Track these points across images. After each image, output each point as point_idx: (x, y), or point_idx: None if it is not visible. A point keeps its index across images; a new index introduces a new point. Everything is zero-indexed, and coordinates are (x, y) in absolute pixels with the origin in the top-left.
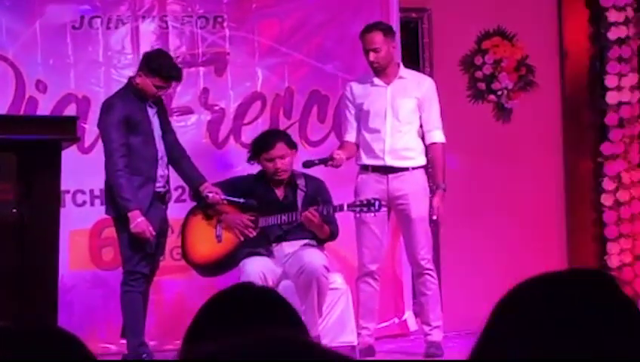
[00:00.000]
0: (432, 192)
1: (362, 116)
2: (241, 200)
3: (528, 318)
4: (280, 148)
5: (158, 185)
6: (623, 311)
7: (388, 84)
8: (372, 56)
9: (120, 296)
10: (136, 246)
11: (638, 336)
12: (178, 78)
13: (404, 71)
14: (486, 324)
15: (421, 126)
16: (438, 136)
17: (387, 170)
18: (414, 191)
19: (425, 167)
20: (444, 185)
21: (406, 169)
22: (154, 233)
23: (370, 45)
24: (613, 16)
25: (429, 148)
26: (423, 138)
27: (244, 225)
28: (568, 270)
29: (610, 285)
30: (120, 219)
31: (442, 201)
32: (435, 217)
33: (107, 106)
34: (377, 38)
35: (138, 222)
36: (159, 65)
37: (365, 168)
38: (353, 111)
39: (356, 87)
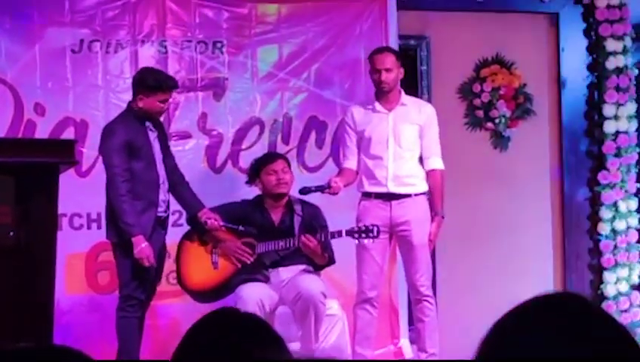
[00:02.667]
0: (432, 219)
1: (364, 143)
2: (240, 227)
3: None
4: (281, 163)
5: (159, 210)
6: (607, 329)
7: (390, 110)
8: (383, 75)
9: (116, 321)
10: (136, 272)
11: (623, 350)
12: (176, 84)
13: (405, 97)
14: (478, 350)
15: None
16: (436, 162)
17: (390, 197)
18: (417, 217)
19: (427, 194)
20: (442, 213)
21: (409, 195)
22: (153, 262)
23: (381, 65)
24: (611, 45)
25: (427, 175)
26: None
27: (241, 251)
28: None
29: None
30: (121, 244)
31: (439, 228)
32: (429, 242)
33: (108, 131)
34: (389, 58)
35: (142, 247)
36: (157, 81)
37: (368, 195)
38: (354, 138)
39: (357, 113)
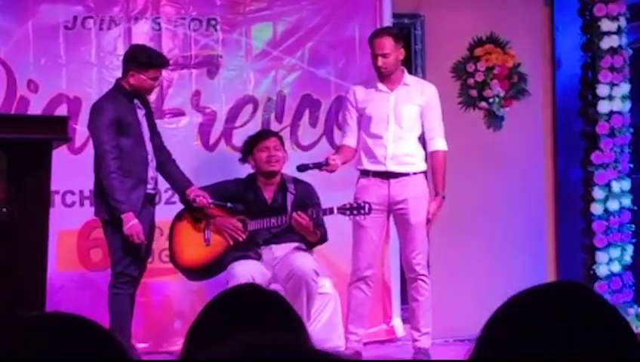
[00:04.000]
0: (433, 198)
1: (364, 121)
2: (228, 204)
3: (519, 331)
4: (274, 141)
5: (148, 187)
6: (610, 320)
7: (392, 90)
8: (380, 61)
9: (108, 298)
10: (127, 249)
11: (624, 343)
12: (168, 62)
13: (408, 77)
14: (478, 338)
15: (423, 132)
16: (440, 143)
17: (389, 176)
18: (415, 196)
19: (425, 173)
20: (443, 193)
21: (407, 174)
22: (143, 238)
23: (379, 50)
24: (605, 25)
25: (430, 156)
26: (424, 144)
27: (234, 228)
28: (553, 283)
29: (594, 297)
30: (111, 222)
31: (439, 208)
32: (428, 218)
33: (97, 108)
34: (387, 43)
35: (132, 224)
36: (149, 57)
37: (366, 173)
38: (355, 116)
39: (359, 92)
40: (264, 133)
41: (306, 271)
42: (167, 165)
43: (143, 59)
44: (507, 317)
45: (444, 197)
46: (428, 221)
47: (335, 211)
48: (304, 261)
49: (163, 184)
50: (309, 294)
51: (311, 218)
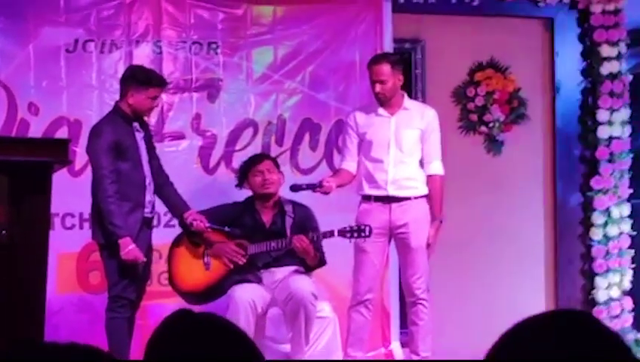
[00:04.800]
0: (431, 223)
1: (365, 146)
2: (226, 228)
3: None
4: (267, 163)
5: (146, 210)
6: (613, 348)
7: (392, 114)
8: (378, 87)
9: (105, 322)
10: (125, 273)
11: None
12: (166, 82)
13: (408, 102)
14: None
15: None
16: (437, 167)
17: (390, 200)
18: (416, 219)
19: (426, 197)
20: (441, 217)
21: (408, 198)
22: (145, 260)
23: (377, 76)
24: (605, 51)
25: (427, 180)
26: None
27: (234, 252)
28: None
29: (596, 325)
30: (108, 246)
31: (437, 232)
32: (427, 244)
33: (96, 132)
34: (385, 69)
35: (130, 249)
36: (147, 76)
37: (368, 198)
38: (355, 140)
39: (360, 116)
40: (257, 158)
41: (304, 294)
42: (164, 188)
43: (141, 78)
44: (510, 346)
45: (441, 222)
46: (428, 246)
47: (336, 234)
48: (302, 284)
49: (162, 207)
50: (307, 317)
51: (311, 241)
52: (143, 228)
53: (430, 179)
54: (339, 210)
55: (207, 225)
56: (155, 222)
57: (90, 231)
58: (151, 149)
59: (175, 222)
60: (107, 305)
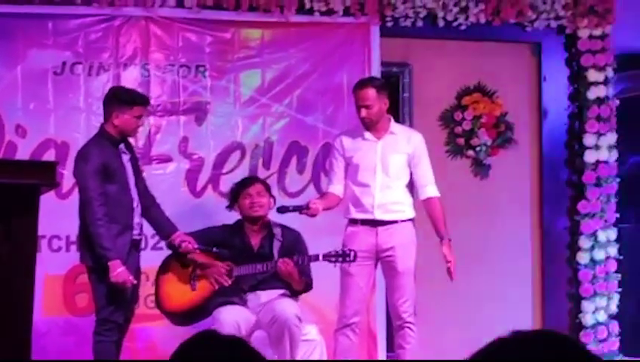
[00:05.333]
0: (441, 244)
1: (351, 170)
2: (214, 249)
3: None
4: (258, 187)
5: (134, 232)
6: None
7: (379, 138)
8: (363, 112)
9: (92, 345)
10: (112, 296)
11: None
12: (148, 100)
13: (394, 126)
14: None
15: (411, 181)
16: (432, 190)
17: (376, 223)
18: (402, 243)
19: (413, 220)
20: (448, 236)
21: (395, 222)
22: (135, 282)
23: (362, 101)
24: (592, 75)
25: (425, 204)
26: (411, 191)
27: (220, 273)
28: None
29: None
30: (96, 268)
31: (451, 250)
32: (449, 266)
33: (83, 155)
34: (370, 94)
35: (119, 272)
36: (131, 96)
37: (354, 221)
38: (342, 164)
39: (346, 140)
40: (247, 181)
41: (288, 317)
42: (151, 210)
43: (125, 98)
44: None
45: (450, 240)
46: (449, 262)
47: (320, 258)
48: (286, 306)
49: (149, 229)
50: (291, 339)
51: (296, 264)
52: (131, 250)
53: (429, 202)
54: (326, 234)
55: (196, 246)
56: (142, 244)
57: (78, 254)
58: (137, 171)
59: (163, 244)
60: (95, 328)
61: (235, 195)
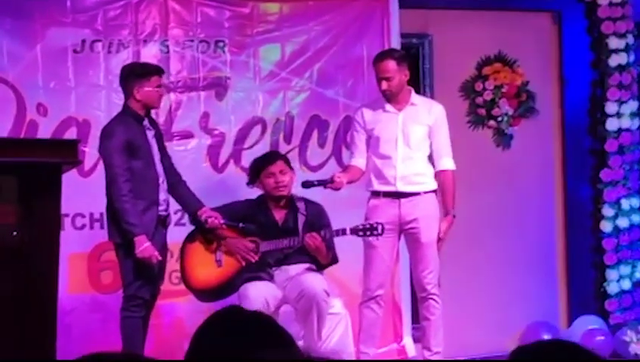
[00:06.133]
0: (444, 217)
1: (373, 142)
2: (240, 224)
3: None
4: (280, 164)
5: (160, 208)
6: None
7: (399, 110)
8: (384, 84)
9: (120, 321)
10: (140, 272)
11: None
12: (162, 69)
13: (415, 97)
14: None
15: (431, 152)
16: (448, 163)
17: (399, 195)
18: (425, 215)
19: (435, 192)
20: (453, 212)
21: (417, 193)
22: (160, 258)
23: (382, 73)
24: (613, 43)
25: (438, 175)
26: (433, 163)
27: (246, 249)
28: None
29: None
30: (124, 245)
31: (449, 227)
32: (438, 240)
33: (108, 132)
34: (390, 66)
35: (145, 247)
36: (146, 68)
37: (377, 194)
38: (363, 137)
39: (367, 113)
40: (269, 157)
41: (316, 291)
42: (177, 186)
43: (140, 71)
44: None
45: (454, 216)
46: (439, 240)
47: (348, 232)
48: (314, 281)
49: (172, 206)
50: (319, 314)
51: (323, 239)
52: (158, 226)
53: (441, 174)
54: (349, 207)
55: (222, 221)
56: (169, 221)
57: (103, 231)
58: (162, 148)
59: (186, 220)
60: (122, 305)
61: (257, 172)
